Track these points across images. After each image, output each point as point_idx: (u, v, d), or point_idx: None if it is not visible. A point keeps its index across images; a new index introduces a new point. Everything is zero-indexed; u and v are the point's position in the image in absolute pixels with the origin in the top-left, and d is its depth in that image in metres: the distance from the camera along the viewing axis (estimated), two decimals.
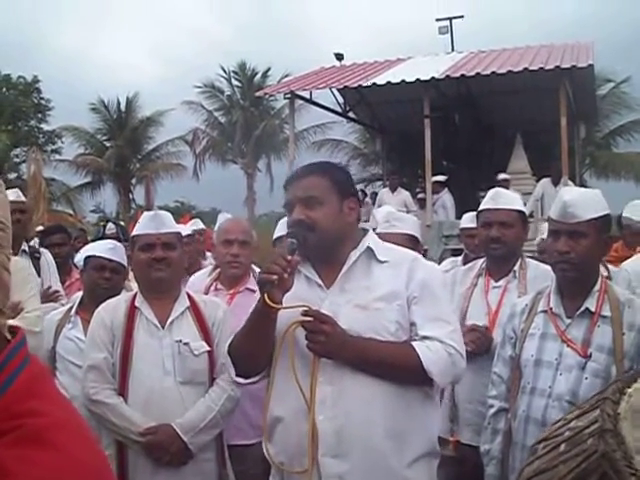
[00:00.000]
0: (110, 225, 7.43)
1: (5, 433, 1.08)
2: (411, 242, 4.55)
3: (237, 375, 3.01)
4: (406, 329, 2.85)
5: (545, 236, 4.86)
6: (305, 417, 2.77)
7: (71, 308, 4.39)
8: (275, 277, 2.66)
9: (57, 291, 5.77)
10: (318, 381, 2.79)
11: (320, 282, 2.93)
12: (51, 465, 1.06)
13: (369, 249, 2.94)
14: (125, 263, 4.46)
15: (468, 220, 6.32)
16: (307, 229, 2.83)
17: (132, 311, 3.70)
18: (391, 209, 5.41)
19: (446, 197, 17.08)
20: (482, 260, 4.23)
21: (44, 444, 1.08)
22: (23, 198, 6.59)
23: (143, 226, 3.79)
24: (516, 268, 4.04)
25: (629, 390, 1.52)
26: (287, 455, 2.85)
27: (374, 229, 5.34)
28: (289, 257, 2.71)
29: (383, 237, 4.43)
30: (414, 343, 2.80)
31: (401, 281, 2.88)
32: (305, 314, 2.79)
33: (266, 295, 2.69)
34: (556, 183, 14.62)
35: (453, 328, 2.89)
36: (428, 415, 2.91)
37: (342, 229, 2.91)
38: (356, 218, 2.99)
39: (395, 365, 2.79)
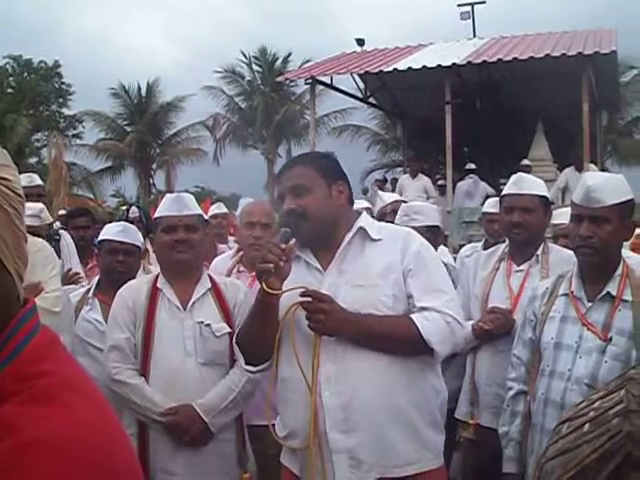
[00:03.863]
0: (133, 209, 7.42)
1: (16, 393, 1.11)
2: (432, 233, 4.61)
3: (247, 364, 3.11)
4: (403, 302, 2.92)
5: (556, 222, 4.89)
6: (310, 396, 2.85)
7: (89, 290, 4.43)
8: (271, 266, 2.75)
9: (77, 273, 5.79)
10: (321, 359, 2.86)
11: (318, 266, 3.01)
12: (59, 420, 1.09)
13: (362, 229, 3.01)
14: (139, 244, 4.49)
15: (490, 205, 6.30)
16: (299, 217, 2.92)
17: (154, 292, 3.73)
18: (409, 201, 5.44)
19: (463, 184, 16.89)
20: (504, 245, 4.23)
21: (52, 401, 1.12)
22: (38, 182, 6.67)
23: (165, 208, 3.81)
24: (539, 252, 4.03)
25: None
26: (294, 433, 2.95)
27: (381, 208, 5.46)
28: (283, 245, 2.79)
29: None
30: (412, 315, 2.87)
31: (396, 255, 2.95)
32: (303, 295, 2.86)
33: (264, 284, 2.78)
34: (580, 170, 14.51)
35: (450, 297, 2.97)
36: (430, 384, 2.98)
37: (333, 213, 3.00)
38: (346, 200, 3.07)
39: (395, 337, 2.87)
